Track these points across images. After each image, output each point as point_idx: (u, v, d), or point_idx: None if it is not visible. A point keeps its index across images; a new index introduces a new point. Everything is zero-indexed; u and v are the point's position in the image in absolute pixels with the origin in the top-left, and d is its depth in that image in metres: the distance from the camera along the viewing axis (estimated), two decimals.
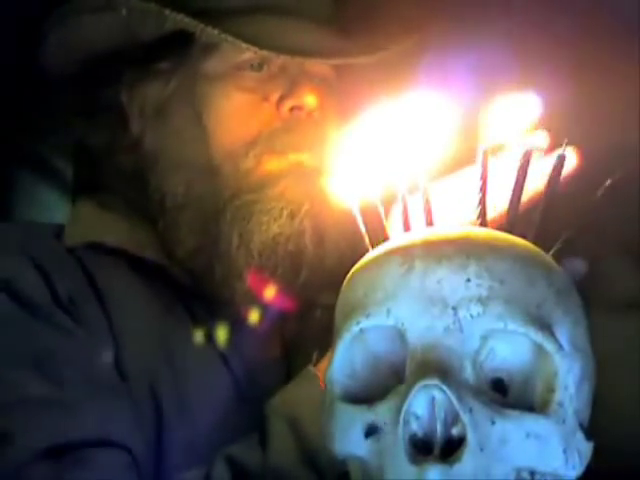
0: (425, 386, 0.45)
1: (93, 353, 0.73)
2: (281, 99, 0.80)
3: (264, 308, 0.79)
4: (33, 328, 0.72)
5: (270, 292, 0.79)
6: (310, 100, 0.80)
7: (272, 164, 0.79)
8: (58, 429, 0.67)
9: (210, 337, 0.79)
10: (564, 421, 0.47)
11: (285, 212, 0.78)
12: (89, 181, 0.88)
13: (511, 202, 0.53)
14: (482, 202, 0.52)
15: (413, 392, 0.46)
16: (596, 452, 0.49)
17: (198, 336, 0.78)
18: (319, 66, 0.83)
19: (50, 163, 1.13)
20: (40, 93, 1.00)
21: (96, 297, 0.77)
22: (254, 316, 0.79)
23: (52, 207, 1.12)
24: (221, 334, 0.79)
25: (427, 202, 0.54)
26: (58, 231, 0.83)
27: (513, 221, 0.53)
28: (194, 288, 0.81)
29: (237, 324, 0.78)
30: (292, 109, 0.80)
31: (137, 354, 0.75)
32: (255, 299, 0.78)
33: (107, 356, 0.74)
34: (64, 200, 1.12)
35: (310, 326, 0.78)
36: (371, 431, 0.49)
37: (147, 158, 0.83)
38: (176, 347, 0.77)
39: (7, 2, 0.99)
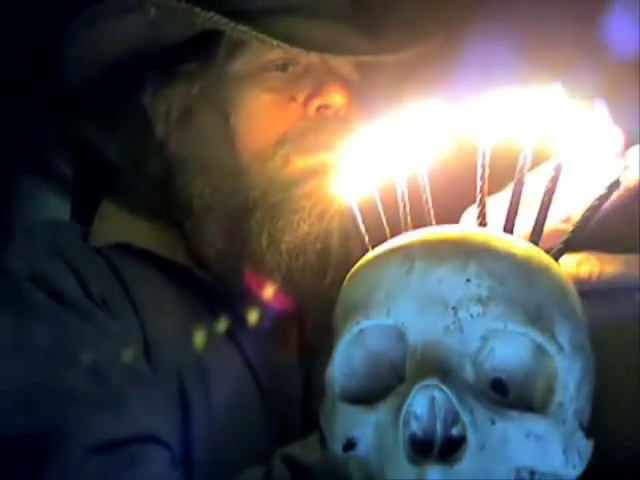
0: (425, 386, 0.45)
1: (129, 349, 0.73)
2: (308, 98, 0.80)
3: (288, 309, 0.79)
4: (73, 324, 0.73)
5: (296, 292, 0.79)
6: (337, 99, 0.81)
7: (300, 163, 0.80)
8: (108, 425, 0.67)
9: (232, 337, 0.80)
10: (564, 421, 0.47)
11: (314, 212, 0.79)
12: (114, 184, 0.88)
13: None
14: (482, 202, 0.52)
15: (413, 392, 0.46)
16: (596, 452, 0.49)
17: (220, 335, 0.79)
18: (344, 67, 0.83)
19: (50, 163, 1.13)
20: (42, 93, 1.00)
21: (126, 295, 0.78)
22: (277, 316, 0.79)
23: (52, 208, 1.13)
24: (243, 335, 0.80)
25: (427, 202, 0.54)
26: (82, 230, 0.83)
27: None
28: (218, 289, 0.81)
29: (259, 325, 0.78)
30: (319, 108, 0.80)
31: (166, 352, 0.76)
32: (281, 299, 0.78)
33: (141, 353, 0.75)
34: (64, 200, 1.12)
35: (327, 329, 0.78)
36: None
37: (172, 161, 0.83)
38: (200, 346, 0.77)
39: (7, 2, 0.99)
